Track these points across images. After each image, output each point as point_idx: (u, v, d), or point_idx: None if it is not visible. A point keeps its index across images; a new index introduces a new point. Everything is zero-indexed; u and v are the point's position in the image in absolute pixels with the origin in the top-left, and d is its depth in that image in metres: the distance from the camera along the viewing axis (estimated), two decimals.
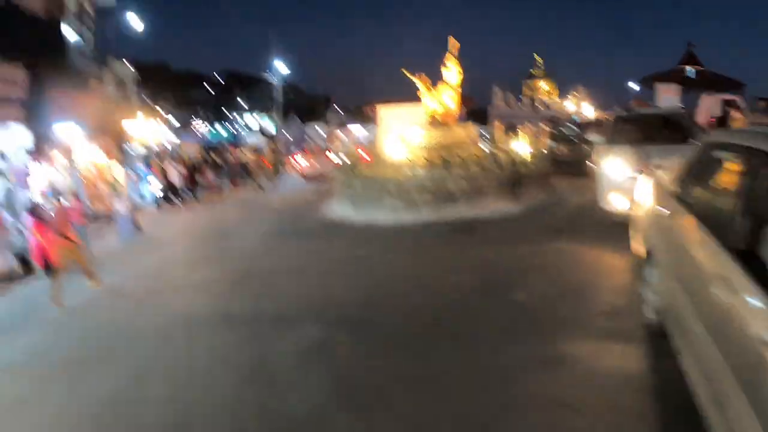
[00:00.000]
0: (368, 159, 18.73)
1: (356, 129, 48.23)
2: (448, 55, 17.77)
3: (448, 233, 13.09)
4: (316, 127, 58.61)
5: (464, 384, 5.81)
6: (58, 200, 12.39)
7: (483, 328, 7.19)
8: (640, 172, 9.95)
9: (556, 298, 7.98)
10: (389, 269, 10.68)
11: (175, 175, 24.20)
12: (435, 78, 18.16)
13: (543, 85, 72.03)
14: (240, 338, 7.82)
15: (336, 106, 73.38)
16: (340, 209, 16.69)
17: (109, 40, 24.58)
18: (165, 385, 6.61)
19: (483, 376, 5.92)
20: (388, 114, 21.66)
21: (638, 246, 7.11)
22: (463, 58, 17.86)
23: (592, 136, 13.20)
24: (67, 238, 11.21)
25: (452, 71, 17.74)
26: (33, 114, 16.04)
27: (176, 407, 6.05)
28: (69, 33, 19.54)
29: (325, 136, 52.90)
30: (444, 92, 17.78)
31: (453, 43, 17.69)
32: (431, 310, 8.13)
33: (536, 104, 66.56)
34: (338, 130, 54.21)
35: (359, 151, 20.74)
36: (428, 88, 17.96)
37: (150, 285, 11.52)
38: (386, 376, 6.20)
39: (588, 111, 52.58)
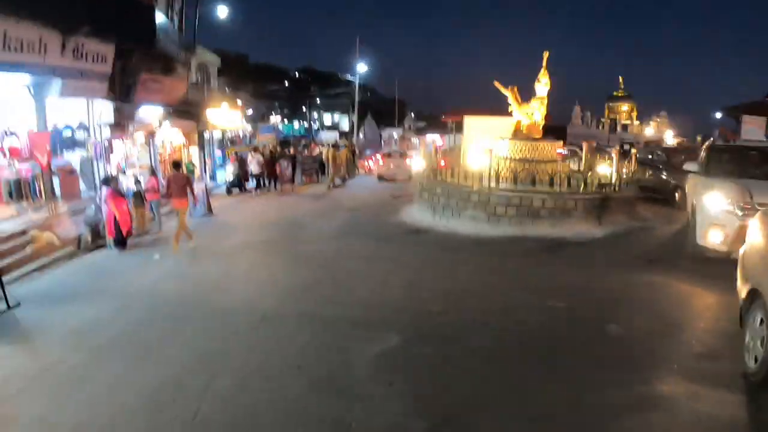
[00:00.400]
0: (446, 167, 18.37)
1: (431, 136, 48.00)
2: (543, 71, 17.37)
3: (534, 252, 12.56)
4: (391, 130, 58.69)
5: (559, 421, 5.47)
6: (177, 167, 14.30)
7: (577, 360, 6.84)
8: (744, 208, 9.54)
9: (650, 333, 7.66)
10: (475, 284, 10.23)
11: (255, 164, 24.45)
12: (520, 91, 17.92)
13: (624, 107, 70.49)
14: (315, 341, 7.51)
15: (411, 113, 73.41)
16: (419, 215, 16.41)
17: (195, 27, 25.00)
18: (229, 379, 6.35)
19: (580, 414, 5.58)
20: (474, 124, 21.29)
21: (743, 287, 6.73)
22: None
23: (688, 165, 12.59)
24: (185, 199, 13.42)
25: (543, 84, 17.34)
26: (118, 91, 16.36)
27: (239, 405, 5.79)
28: (159, 17, 19.92)
29: (398, 140, 52.84)
30: (534, 105, 17.39)
31: (545, 55, 17.33)
32: (520, 332, 7.77)
33: (617, 126, 65.45)
34: (413, 136, 54.18)
35: (438, 158, 20.34)
36: (518, 102, 17.62)
37: (219, 271, 11.36)
38: (472, 401, 5.87)
39: (669, 137, 51.15)
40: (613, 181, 15.65)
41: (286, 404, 5.80)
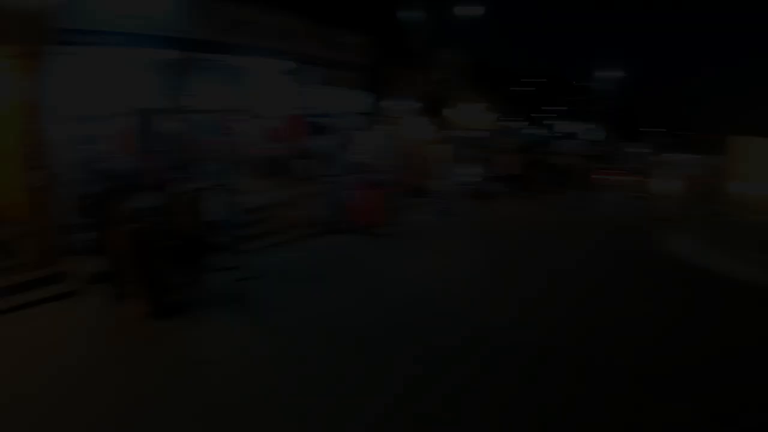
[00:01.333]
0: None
1: (682, 156, 44.27)
2: None
3: None
4: (634, 145, 55.46)
5: None
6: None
7: None
8: None
9: None
10: None
11: (509, 165, 23.71)
12: None
13: None
14: (602, 417, 5.67)
15: (655, 128, 68.94)
16: (695, 249, 13.22)
17: (443, 28, 24.86)
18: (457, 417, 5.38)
19: None
20: (760, 148, 18.41)
21: None
22: None
23: None
24: None
25: None
26: (368, 83, 16.61)
27: None
28: (408, 15, 20.20)
29: (642, 156, 49.54)
30: None
31: None
32: None
33: None
34: (657, 153, 50.59)
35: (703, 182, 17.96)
36: None
37: (470, 281, 10.40)
38: None
39: None
40: None
41: None
